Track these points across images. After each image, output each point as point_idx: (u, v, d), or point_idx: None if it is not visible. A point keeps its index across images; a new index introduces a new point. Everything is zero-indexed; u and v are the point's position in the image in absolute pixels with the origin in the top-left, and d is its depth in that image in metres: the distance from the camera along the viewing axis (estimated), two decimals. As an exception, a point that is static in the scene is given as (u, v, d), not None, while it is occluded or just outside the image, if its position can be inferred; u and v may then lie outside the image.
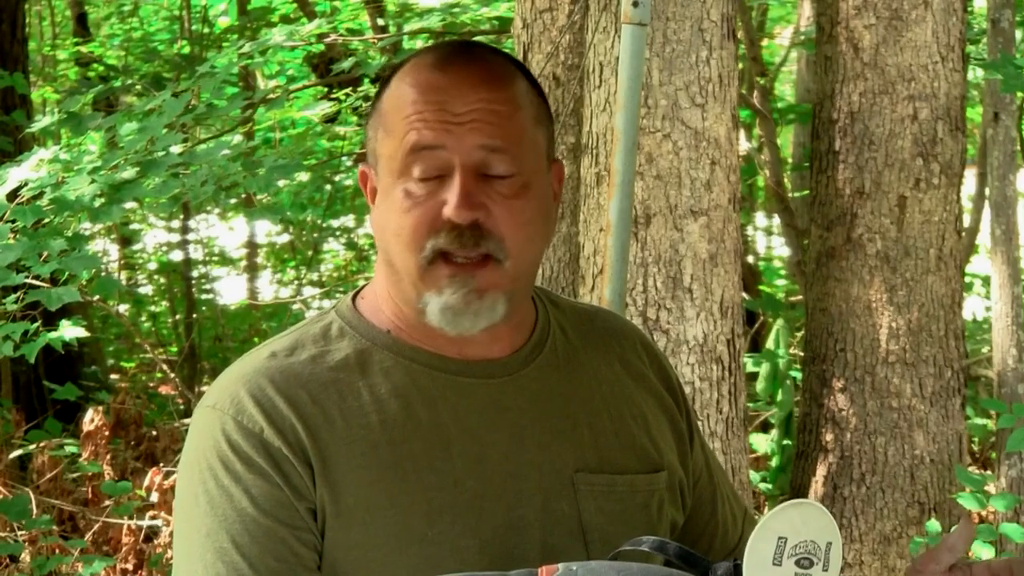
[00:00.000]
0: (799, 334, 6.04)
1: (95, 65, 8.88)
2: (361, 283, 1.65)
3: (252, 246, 10.59)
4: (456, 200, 1.48)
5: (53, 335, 4.15)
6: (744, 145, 7.12)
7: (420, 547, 1.48)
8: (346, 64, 5.22)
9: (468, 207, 1.48)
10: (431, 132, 1.50)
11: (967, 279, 6.78)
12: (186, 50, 8.66)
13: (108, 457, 5.48)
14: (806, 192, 5.75)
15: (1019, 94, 5.14)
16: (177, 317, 9.41)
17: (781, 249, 9.80)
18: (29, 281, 3.96)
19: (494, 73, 1.56)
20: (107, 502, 5.12)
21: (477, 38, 7.39)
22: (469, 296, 1.50)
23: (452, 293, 1.50)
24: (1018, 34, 5.65)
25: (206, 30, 8.80)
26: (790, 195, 7.56)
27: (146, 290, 10.26)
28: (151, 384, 8.24)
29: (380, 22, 7.83)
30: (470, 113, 1.51)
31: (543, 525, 1.54)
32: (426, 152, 1.50)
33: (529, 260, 1.55)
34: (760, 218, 10.33)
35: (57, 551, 4.66)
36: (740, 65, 5.16)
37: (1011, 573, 1.48)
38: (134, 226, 9.64)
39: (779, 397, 5.34)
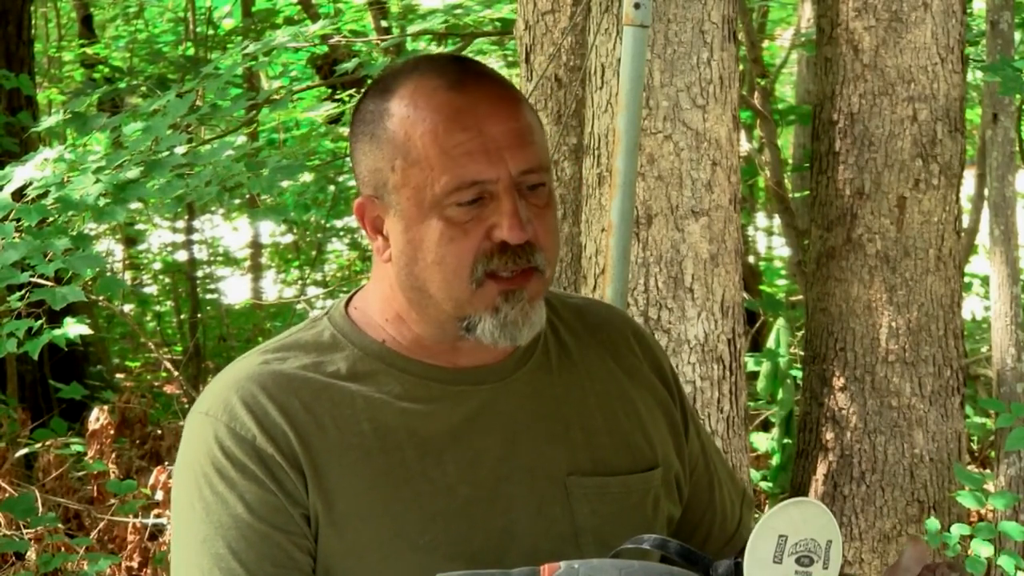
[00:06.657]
0: (799, 334, 6.05)
1: (100, 66, 8.91)
2: (364, 283, 1.67)
3: (256, 246, 10.61)
4: (510, 222, 1.49)
5: (57, 332, 4.15)
6: (745, 146, 7.14)
7: (413, 554, 1.49)
8: (349, 65, 5.23)
9: (522, 228, 1.50)
10: (478, 166, 1.49)
11: (966, 279, 6.79)
12: (191, 51, 8.68)
13: (113, 456, 5.49)
14: (806, 192, 5.77)
15: (1018, 96, 5.16)
16: (182, 317, 9.44)
17: (781, 249, 9.81)
18: (34, 280, 3.98)
19: (505, 88, 1.57)
20: (112, 500, 5.13)
21: (479, 40, 7.41)
22: (525, 308, 1.51)
23: (511, 308, 1.51)
24: (1017, 36, 5.66)
25: (211, 32, 8.82)
26: (790, 195, 7.57)
27: (151, 290, 10.27)
28: (156, 383, 8.24)
29: (383, 23, 7.85)
30: (505, 135, 1.51)
31: (536, 530, 1.54)
32: (476, 186, 1.50)
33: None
34: (761, 218, 10.34)
35: (63, 549, 4.67)
36: (741, 67, 5.18)
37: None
38: (139, 226, 9.66)
39: (780, 396, 5.36)
